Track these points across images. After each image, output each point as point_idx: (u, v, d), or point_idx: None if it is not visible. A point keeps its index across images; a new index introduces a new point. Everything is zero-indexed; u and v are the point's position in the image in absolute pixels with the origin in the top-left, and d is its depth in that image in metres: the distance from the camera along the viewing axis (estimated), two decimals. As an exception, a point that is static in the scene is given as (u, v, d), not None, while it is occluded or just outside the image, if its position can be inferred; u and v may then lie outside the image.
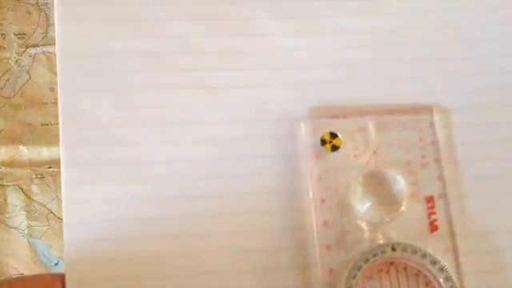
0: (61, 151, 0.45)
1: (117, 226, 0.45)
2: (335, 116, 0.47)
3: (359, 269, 0.44)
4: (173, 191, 0.46)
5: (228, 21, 0.48)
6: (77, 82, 0.46)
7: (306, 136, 0.46)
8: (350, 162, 0.46)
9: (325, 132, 0.46)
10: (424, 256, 0.44)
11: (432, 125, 0.47)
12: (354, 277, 0.44)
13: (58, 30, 0.47)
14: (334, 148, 0.46)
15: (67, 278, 0.42)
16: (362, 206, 0.45)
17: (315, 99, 0.47)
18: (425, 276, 0.44)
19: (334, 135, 0.46)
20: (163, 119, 0.47)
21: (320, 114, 0.47)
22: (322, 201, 0.46)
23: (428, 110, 0.47)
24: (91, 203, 0.45)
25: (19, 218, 0.48)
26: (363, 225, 0.45)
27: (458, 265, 0.45)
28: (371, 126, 0.47)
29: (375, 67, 0.48)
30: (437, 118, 0.47)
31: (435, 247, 0.45)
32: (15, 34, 0.51)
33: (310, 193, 0.46)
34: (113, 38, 0.47)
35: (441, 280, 0.44)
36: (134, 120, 0.46)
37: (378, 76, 0.48)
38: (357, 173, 0.46)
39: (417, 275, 0.44)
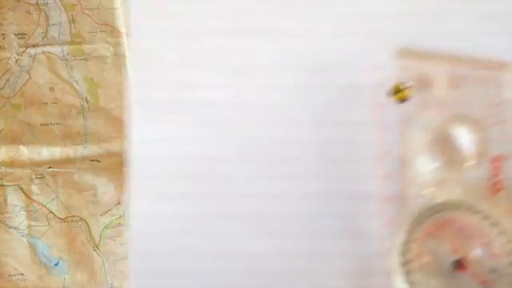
0: (132, 91, 0.47)
1: (179, 164, 0.46)
2: (406, 67, 0.45)
3: (419, 224, 0.43)
4: (237, 135, 0.46)
5: None
6: (148, 24, 0.47)
7: (375, 86, 0.46)
8: (417, 115, 0.45)
9: (395, 83, 0.45)
10: (486, 217, 0.43)
11: (505, 83, 0.45)
12: (414, 232, 0.43)
13: None
14: (403, 99, 0.45)
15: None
16: (427, 161, 0.44)
17: (386, 50, 0.46)
18: (485, 236, 0.43)
19: (403, 87, 0.45)
20: (232, 63, 0.47)
21: (392, 64, 0.46)
22: (387, 152, 0.45)
23: (506, 67, 0.45)
24: (156, 141, 0.46)
25: (19, 218, 0.48)
26: (427, 180, 0.44)
27: None
28: (443, 80, 0.45)
29: (453, 21, 0.47)
30: (510, 76, 0.45)
31: (498, 208, 0.43)
32: (15, 34, 0.51)
33: (375, 143, 0.45)
34: None
35: (500, 242, 0.43)
36: (204, 63, 0.47)
37: (452, 29, 0.47)
38: (424, 126, 0.45)
39: (477, 235, 0.43)
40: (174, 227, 0.46)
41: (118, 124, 0.49)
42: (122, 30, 0.50)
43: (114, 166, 0.49)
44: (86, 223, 0.48)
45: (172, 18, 0.48)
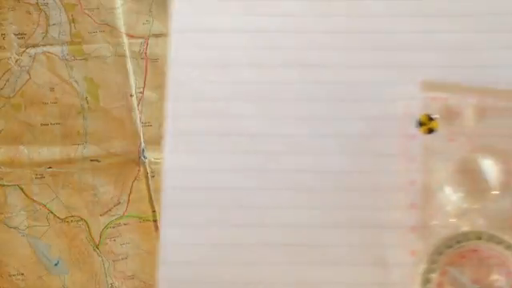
0: (166, 121, 0.48)
1: (211, 195, 0.47)
2: (434, 99, 0.46)
3: (441, 254, 0.43)
4: (271, 164, 0.47)
5: (333, 1, 0.49)
6: (186, 54, 0.48)
7: (404, 117, 0.46)
8: (444, 145, 0.46)
9: (422, 114, 0.46)
10: (509, 247, 0.43)
11: None
12: (436, 262, 0.43)
13: (174, 7, 0.49)
14: (430, 131, 0.46)
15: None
16: (452, 191, 0.44)
17: (414, 82, 0.47)
18: (508, 267, 0.43)
19: (431, 118, 0.46)
20: (264, 95, 0.48)
21: (420, 96, 0.46)
22: (412, 183, 0.45)
23: None
24: (189, 171, 0.47)
25: (19, 218, 0.48)
26: (450, 210, 0.44)
27: None
28: (470, 111, 0.46)
29: (480, 52, 0.47)
30: None
31: None
32: (15, 34, 0.51)
33: (401, 173, 0.45)
34: (224, 15, 0.49)
35: None
36: (237, 94, 0.48)
37: (482, 61, 0.47)
38: (450, 157, 0.45)
39: (499, 266, 0.44)
40: (203, 257, 0.46)
41: (118, 124, 0.49)
42: (122, 29, 0.51)
43: (114, 166, 0.49)
44: (86, 223, 0.48)
45: (210, 50, 0.49)
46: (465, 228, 0.44)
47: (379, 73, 0.48)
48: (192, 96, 0.48)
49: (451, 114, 0.46)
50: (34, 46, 0.51)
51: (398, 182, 0.46)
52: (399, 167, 0.46)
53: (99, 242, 0.48)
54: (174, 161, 0.48)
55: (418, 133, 0.46)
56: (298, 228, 0.46)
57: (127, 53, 0.50)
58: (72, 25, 0.51)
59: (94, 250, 0.48)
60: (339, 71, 0.48)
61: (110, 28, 0.51)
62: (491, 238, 0.43)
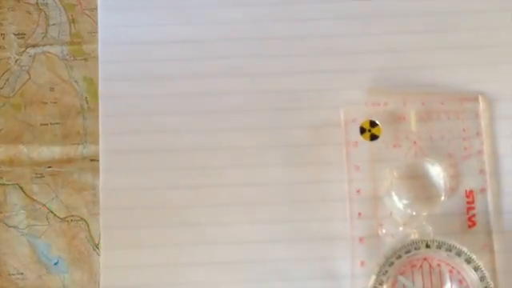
0: (100, 138, 0.47)
1: (152, 213, 0.46)
2: (376, 103, 0.45)
3: (391, 264, 0.43)
4: (212, 179, 0.46)
5: (268, 6, 0.48)
6: (116, 69, 0.47)
7: (345, 124, 0.45)
8: (388, 152, 0.45)
9: (364, 120, 0.45)
10: (459, 254, 0.43)
11: (477, 115, 0.45)
12: (386, 273, 0.43)
13: (100, 18, 0.48)
14: (373, 137, 0.45)
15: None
16: (399, 198, 0.44)
17: (356, 86, 0.46)
18: (459, 273, 0.43)
19: (373, 124, 0.45)
20: (200, 107, 0.46)
21: (361, 101, 0.46)
22: (358, 191, 0.45)
23: (473, 99, 0.45)
24: (127, 190, 0.46)
25: (19, 217, 0.48)
26: (398, 218, 0.44)
27: (493, 264, 0.43)
28: (413, 115, 0.45)
29: (420, 53, 0.47)
30: (482, 108, 0.45)
31: (471, 244, 0.43)
32: (15, 34, 0.51)
33: (346, 183, 0.45)
34: (156, 25, 0.48)
35: (475, 279, 0.42)
36: (171, 108, 0.47)
37: (422, 62, 0.46)
38: (395, 163, 0.45)
39: (450, 272, 0.43)
40: (147, 278, 0.46)
41: (117, 124, 0.49)
42: (122, 30, 0.51)
43: (114, 165, 0.49)
44: (86, 223, 0.48)
45: (138, 63, 0.48)
46: (414, 236, 0.44)
47: (319, 79, 0.47)
48: (125, 111, 0.47)
49: (394, 119, 0.45)
50: (33, 45, 0.51)
51: (344, 191, 0.45)
52: (344, 176, 0.45)
53: (99, 241, 0.48)
54: (110, 180, 0.47)
55: (362, 139, 0.45)
56: (244, 244, 0.45)
57: (127, 53, 0.50)
58: (72, 25, 0.51)
59: (94, 249, 0.48)
60: (278, 79, 0.47)
61: (110, 28, 0.51)
62: (441, 246, 0.43)
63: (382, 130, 0.45)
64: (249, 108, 0.47)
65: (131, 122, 0.47)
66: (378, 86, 0.46)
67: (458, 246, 0.43)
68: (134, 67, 0.48)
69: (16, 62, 0.50)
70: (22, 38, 0.51)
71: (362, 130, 0.45)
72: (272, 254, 0.45)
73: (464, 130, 0.45)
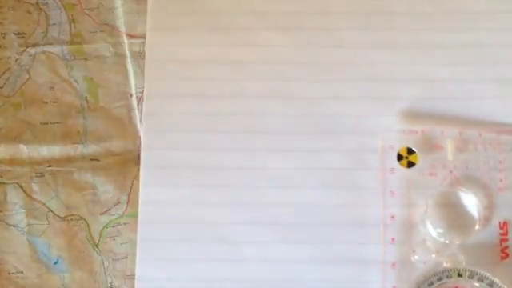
0: (142, 153, 0.48)
1: (189, 228, 0.46)
2: (413, 131, 0.46)
3: None
4: (244, 198, 0.47)
5: (309, 31, 0.49)
6: (162, 87, 0.48)
7: (383, 150, 0.46)
8: (424, 179, 0.45)
9: (402, 147, 0.46)
10: (491, 285, 0.43)
11: None
12: None
13: (148, 37, 0.49)
14: (410, 164, 0.45)
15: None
16: (433, 226, 0.44)
17: (395, 114, 0.47)
18: None
19: (411, 151, 0.45)
20: (241, 127, 0.47)
21: (399, 128, 0.46)
22: (392, 217, 0.45)
23: (511, 132, 0.46)
24: (166, 204, 0.47)
25: (19, 216, 0.48)
26: (431, 245, 0.44)
27: None
28: (450, 144, 0.45)
29: (459, 84, 0.47)
30: None
31: (504, 276, 0.43)
32: (15, 34, 0.51)
33: (381, 208, 0.45)
34: (201, 46, 0.49)
35: None
36: (213, 127, 0.48)
37: (461, 93, 0.47)
38: (430, 192, 0.45)
39: None
40: None
41: (117, 124, 0.49)
42: (122, 29, 0.51)
43: (114, 165, 0.49)
44: (86, 222, 0.48)
45: (185, 82, 0.49)
46: (446, 264, 0.44)
47: (359, 105, 0.48)
48: (167, 127, 0.48)
49: (431, 147, 0.46)
50: (34, 45, 0.51)
51: (378, 216, 0.46)
52: (379, 201, 0.46)
53: (99, 241, 0.48)
54: (150, 194, 0.47)
55: (398, 166, 0.46)
56: (279, 263, 0.46)
57: (127, 53, 0.50)
58: (72, 25, 0.51)
59: (94, 249, 0.48)
60: (318, 103, 0.48)
61: (110, 28, 0.51)
62: (473, 275, 0.43)
63: (419, 157, 0.46)
64: (288, 130, 0.48)
65: (172, 139, 0.48)
66: (416, 115, 0.47)
67: (490, 276, 0.43)
68: (176, 85, 0.49)
69: (16, 61, 0.50)
70: (23, 37, 0.51)
71: (400, 157, 0.46)
72: (305, 274, 0.46)
73: (500, 162, 0.45)
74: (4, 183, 0.49)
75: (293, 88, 0.48)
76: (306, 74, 0.48)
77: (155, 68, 0.49)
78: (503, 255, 0.44)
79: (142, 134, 0.49)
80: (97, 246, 0.48)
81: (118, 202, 0.48)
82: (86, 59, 0.50)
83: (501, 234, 0.44)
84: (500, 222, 0.45)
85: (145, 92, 0.49)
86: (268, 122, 0.48)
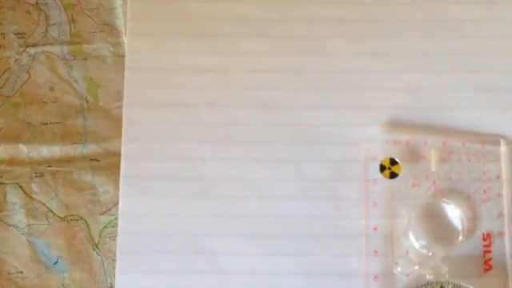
0: (122, 163, 0.47)
1: (169, 240, 0.46)
2: (397, 142, 0.46)
3: None
4: (225, 209, 0.46)
5: (294, 39, 0.48)
6: (142, 95, 0.48)
7: (365, 160, 0.46)
8: (407, 190, 0.45)
9: (385, 158, 0.45)
10: None
11: (498, 158, 0.45)
12: None
13: (128, 44, 0.49)
14: (393, 175, 0.45)
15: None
16: (416, 238, 0.44)
17: (377, 123, 0.46)
18: None
19: (393, 162, 0.45)
20: (223, 137, 0.47)
21: (383, 138, 0.46)
22: (375, 229, 0.45)
23: (495, 142, 0.45)
24: (146, 216, 0.46)
25: (18, 216, 0.48)
26: (414, 257, 0.44)
27: None
28: (433, 155, 0.45)
29: (443, 93, 0.47)
30: (503, 151, 0.45)
31: (487, 287, 0.43)
32: (15, 34, 0.51)
33: (363, 219, 0.45)
34: (181, 54, 0.48)
35: None
36: (192, 136, 0.47)
37: (445, 102, 0.46)
38: (413, 203, 0.45)
39: None
40: None
41: (117, 124, 0.49)
42: (122, 29, 0.51)
43: (114, 165, 0.49)
44: (86, 222, 0.48)
45: (165, 90, 0.48)
46: (429, 276, 0.43)
47: (342, 114, 0.47)
48: (147, 137, 0.47)
49: (415, 158, 0.45)
50: (33, 45, 0.51)
51: (361, 228, 0.45)
52: (361, 213, 0.45)
53: (99, 241, 0.48)
54: (129, 205, 0.47)
55: (381, 177, 0.45)
56: (260, 275, 0.46)
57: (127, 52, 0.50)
58: (72, 25, 0.51)
59: (94, 249, 0.48)
60: (300, 113, 0.47)
61: (110, 28, 0.51)
62: None
63: (402, 168, 0.45)
64: (269, 140, 0.47)
65: (152, 148, 0.47)
66: (399, 125, 0.46)
67: None
68: (156, 93, 0.48)
69: (16, 61, 0.50)
70: (22, 37, 0.51)
71: (382, 168, 0.45)
72: (286, 286, 0.45)
73: (484, 173, 0.45)
74: (4, 183, 0.49)
75: (275, 97, 0.48)
76: (288, 82, 0.48)
77: (135, 75, 0.48)
78: (486, 267, 0.44)
79: (122, 143, 0.48)
80: (97, 246, 0.48)
81: (118, 202, 0.48)
82: (85, 59, 0.50)
83: (484, 246, 0.44)
84: (483, 234, 0.44)
85: (124, 100, 0.48)
86: (250, 131, 0.47)
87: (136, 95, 0.48)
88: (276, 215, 0.46)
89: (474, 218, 0.44)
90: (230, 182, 0.47)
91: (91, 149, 0.49)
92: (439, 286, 0.43)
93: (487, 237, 0.44)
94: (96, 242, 0.48)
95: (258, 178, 0.47)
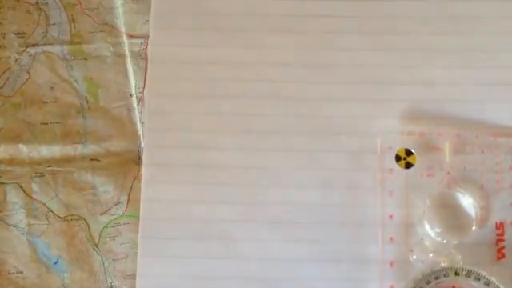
0: (144, 152, 0.48)
1: (189, 226, 0.47)
2: (412, 133, 0.47)
3: None
4: (244, 197, 0.47)
5: (315, 34, 0.49)
6: (164, 87, 0.49)
7: (382, 151, 0.47)
8: (422, 180, 0.46)
9: (400, 148, 0.46)
10: (487, 284, 0.43)
11: (510, 150, 0.46)
12: None
13: (151, 36, 0.50)
14: (408, 165, 0.46)
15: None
16: (430, 226, 0.45)
17: (393, 116, 0.48)
18: None
19: (409, 152, 0.46)
20: (242, 127, 0.48)
21: (398, 130, 0.47)
22: (390, 217, 0.45)
23: (508, 134, 0.46)
24: (167, 202, 0.47)
25: (18, 216, 0.48)
26: (429, 245, 0.44)
27: None
28: (448, 146, 0.46)
29: (457, 87, 0.48)
30: None
31: (500, 275, 0.44)
32: (15, 34, 0.51)
33: (380, 208, 0.46)
34: (202, 47, 0.49)
35: None
36: (215, 127, 0.48)
37: (459, 96, 0.48)
38: (428, 192, 0.46)
39: None
40: (179, 285, 0.47)
41: (117, 124, 0.49)
42: (122, 29, 0.51)
43: (114, 165, 0.49)
44: (86, 222, 0.48)
45: (186, 82, 0.49)
46: (443, 263, 0.44)
47: (358, 106, 0.48)
48: (169, 126, 0.48)
49: (429, 149, 0.46)
50: (33, 45, 0.51)
51: (377, 216, 0.46)
52: (377, 201, 0.46)
53: (99, 241, 0.48)
54: (151, 192, 0.48)
55: (397, 167, 0.46)
56: (276, 261, 0.46)
57: (127, 53, 0.50)
58: (72, 25, 0.51)
59: (94, 249, 0.48)
60: (318, 104, 0.48)
61: (110, 28, 0.51)
62: (469, 274, 0.43)
63: (417, 158, 0.46)
64: (288, 131, 0.48)
65: (173, 138, 0.48)
66: (415, 117, 0.48)
67: (487, 275, 0.43)
68: (178, 85, 0.49)
69: (16, 61, 0.50)
70: (22, 37, 0.51)
71: (398, 158, 0.46)
72: (303, 272, 0.46)
73: (497, 164, 0.46)
74: (4, 183, 0.49)
75: (293, 89, 0.49)
76: (306, 75, 0.49)
77: (157, 67, 0.49)
78: (499, 255, 0.45)
79: (143, 133, 0.49)
80: (97, 246, 0.48)
81: (118, 202, 0.48)
82: (85, 59, 0.50)
83: (497, 235, 0.45)
84: (496, 223, 0.45)
85: (147, 91, 0.49)
86: (268, 122, 0.48)
87: (157, 87, 0.49)
88: (294, 203, 0.47)
89: (486, 208, 0.45)
90: (249, 171, 0.48)
91: (91, 149, 0.49)
92: (453, 271, 0.44)
93: (500, 226, 0.45)
94: (96, 241, 0.48)
95: (277, 167, 0.48)
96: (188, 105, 0.49)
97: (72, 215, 0.48)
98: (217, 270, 0.46)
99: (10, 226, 0.48)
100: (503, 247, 0.45)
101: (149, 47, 0.50)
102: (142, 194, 0.48)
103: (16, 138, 0.49)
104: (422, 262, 0.45)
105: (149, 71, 0.49)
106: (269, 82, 0.49)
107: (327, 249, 0.46)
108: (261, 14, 0.50)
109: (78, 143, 0.49)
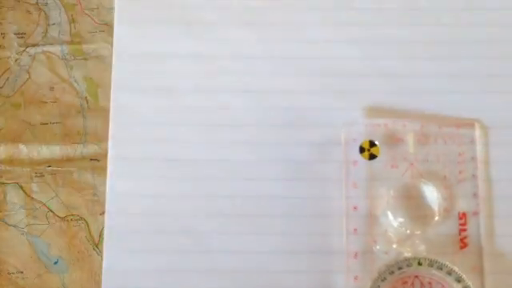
0: (109, 146, 0.48)
1: (154, 220, 0.47)
2: (376, 125, 0.47)
3: (383, 280, 0.44)
4: (209, 190, 0.47)
5: (278, 26, 0.49)
6: (128, 80, 0.49)
7: (346, 143, 0.47)
8: (386, 171, 0.46)
9: (364, 140, 0.46)
10: (449, 273, 0.44)
11: (473, 141, 0.46)
12: (378, 287, 0.44)
13: (115, 32, 0.50)
14: (372, 157, 0.46)
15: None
16: (394, 217, 0.45)
17: (357, 107, 0.48)
18: None
19: (372, 144, 0.46)
20: (206, 120, 0.48)
21: (360, 122, 0.47)
22: (355, 208, 0.46)
23: (470, 125, 0.47)
24: (133, 196, 0.47)
25: (18, 216, 0.48)
26: (392, 236, 0.45)
27: (483, 285, 0.44)
28: (411, 137, 0.46)
29: (420, 79, 0.48)
30: (477, 134, 0.47)
31: (462, 265, 0.44)
32: (15, 34, 0.51)
33: (344, 199, 0.46)
34: (166, 40, 0.49)
35: None
36: (179, 120, 0.48)
37: (422, 88, 0.48)
38: (392, 183, 0.46)
39: None
40: (147, 283, 0.46)
41: (117, 123, 0.49)
42: (122, 29, 0.51)
43: (114, 165, 0.49)
44: (86, 222, 0.48)
45: (151, 75, 0.49)
46: (407, 254, 0.45)
47: (323, 99, 0.48)
48: (135, 121, 0.48)
49: (393, 140, 0.47)
50: (33, 45, 0.51)
51: (341, 207, 0.46)
52: (342, 193, 0.46)
53: (99, 241, 0.48)
54: (117, 186, 0.47)
55: (361, 158, 0.46)
56: (243, 254, 0.46)
57: (127, 53, 0.50)
58: (72, 25, 0.51)
59: (94, 249, 0.48)
60: (283, 97, 0.48)
61: (110, 28, 0.51)
62: (432, 264, 0.44)
63: (381, 150, 0.47)
64: (252, 123, 0.48)
65: (138, 131, 0.48)
66: (378, 108, 0.48)
67: (449, 265, 0.44)
68: (143, 78, 0.49)
69: (16, 61, 0.50)
70: (22, 37, 0.51)
71: (362, 150, 0.47)
72: (269, 265, 0.46)
73: (460, 155, 0.46)
74: (4, 183, 0.49)
75: (256, 82, 0.49)
76: (269, 68, 0.49)
77: (122, 61, 0.49)
78: (462, 245, 0.45)
79: (110, 127, 0.49)
80: (97, 246, 0.48)
81: (118, 202, 0.48)
82: (85, 59, 0.50)
83: (460, 225, 0.45)
84: (459, 213, 0.46)
85: (112, 85, 0.49)
86: (232, 114, 0.48)
87: (122, 80, 0.49)
88: (260, 196, 0.47)
89: (450, 198, 0.46)
90: (214, 164, 0.48)
91: (91, 149, 0.49)
92: (416, 261, 0.44)
93: (463, 216, 0.45)
94: (96, 241, 0.48)
95: (242, 160, 0.48)
96: (152, 98, 0.49)
97: (72, 215, 0.48)
98: (183, 264, 0.46)
99: (10, 226, 0.48)
100: (466, 237, 0.45)
101: (114, 40, 0.50)
102: (107, 187, 0.48)
103: (16, 138, 0.49)
104: (386, 252, 0.45)
105: (114, 64, 0.49)
106: (232, 74, 0.49)
107: (292, 240, 0.46)
108: (223, 6, 0.50)
109: (77, 143, 0.49)
